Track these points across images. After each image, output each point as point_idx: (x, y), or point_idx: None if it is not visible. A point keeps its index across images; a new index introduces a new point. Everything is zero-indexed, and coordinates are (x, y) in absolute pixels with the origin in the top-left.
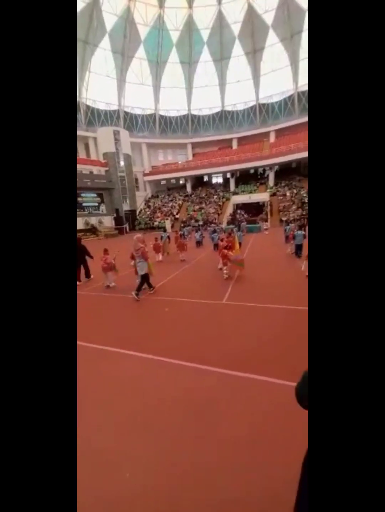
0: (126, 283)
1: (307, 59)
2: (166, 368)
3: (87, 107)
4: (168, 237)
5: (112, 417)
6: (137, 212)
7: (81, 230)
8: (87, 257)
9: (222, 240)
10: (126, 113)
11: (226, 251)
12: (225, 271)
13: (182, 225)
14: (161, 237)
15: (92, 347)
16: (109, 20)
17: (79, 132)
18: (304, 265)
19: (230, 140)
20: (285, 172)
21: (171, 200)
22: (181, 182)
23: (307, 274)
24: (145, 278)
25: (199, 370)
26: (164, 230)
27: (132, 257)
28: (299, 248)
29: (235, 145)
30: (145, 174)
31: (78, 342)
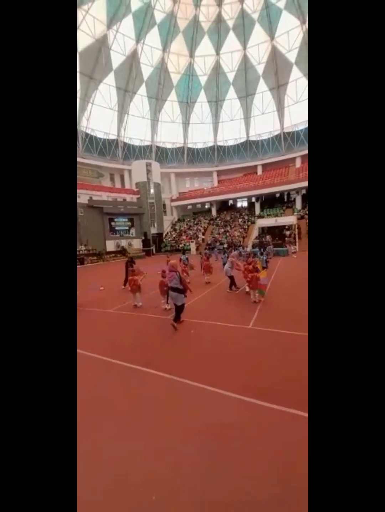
0: (152, 303)
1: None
2: (190, 390)
3: (125, 144)
4: (187, 259)
5: (135, 437)
6: (164, 235)
7: (112, 252)
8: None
9: (249, 264)
10: (158, 147)
11: (253, 274)
12: (256, 294)
13: (206, 247)
14: (180, 260)
15: (117, 363)
16: (146, 70)
17: (116, 166)
18: None
19: (255, 167)
20: None
21: (197, 224)
22: (206, 206)
23: None
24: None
25: (223, 397)
26: (183, 253)
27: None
28: None
29: (259, 171)
30: (172, 200)
31: (104, 358)
